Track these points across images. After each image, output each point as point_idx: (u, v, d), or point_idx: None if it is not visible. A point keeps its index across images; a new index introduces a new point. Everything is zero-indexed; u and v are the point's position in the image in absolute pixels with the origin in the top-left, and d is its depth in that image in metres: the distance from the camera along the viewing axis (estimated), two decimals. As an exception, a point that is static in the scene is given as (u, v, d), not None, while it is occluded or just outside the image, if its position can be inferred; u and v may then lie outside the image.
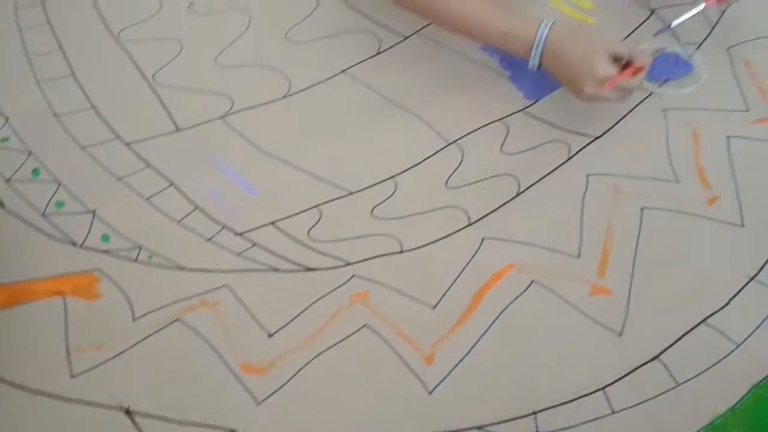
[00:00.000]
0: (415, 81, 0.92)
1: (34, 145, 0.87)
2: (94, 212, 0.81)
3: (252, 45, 0.98)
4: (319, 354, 0.71)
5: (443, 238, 0.78)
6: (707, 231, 0.76)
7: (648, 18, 0.97)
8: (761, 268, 0.73)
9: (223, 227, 0.79)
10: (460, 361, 0.70)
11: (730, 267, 0.74)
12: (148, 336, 0.72)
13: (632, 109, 0.87)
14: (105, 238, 0.79)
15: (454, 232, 0.78)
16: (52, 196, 0.82)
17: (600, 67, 0.75)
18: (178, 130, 0.88)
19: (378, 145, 0.87)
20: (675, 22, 0.87)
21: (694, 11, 0.87)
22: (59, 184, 0.83)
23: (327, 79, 0.93)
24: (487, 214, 0.80)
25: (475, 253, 0.77)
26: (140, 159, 0.85)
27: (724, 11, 0.97)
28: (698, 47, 0.93)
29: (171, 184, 0.83)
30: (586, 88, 0.76)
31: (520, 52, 0.81)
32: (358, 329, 0.72)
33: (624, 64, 0.77)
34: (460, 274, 0.75)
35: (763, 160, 0.82)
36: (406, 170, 0.84)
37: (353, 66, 0.94)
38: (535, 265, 0.75)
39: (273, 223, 0.79)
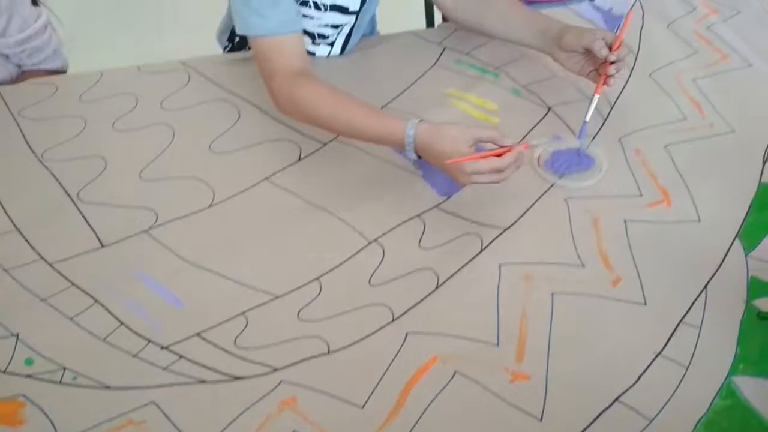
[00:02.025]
0: (335, 184, 0.97)
1: (-45, 271, 0.87)
2: (17, 336, 0.80)
3: (176, 158, 1.01)
4: (250, 464, 0.71)
5: (369, 335, 0.80)
6: (613, 311, 0.81)
7: (545, 115, 1.05)
8: (666, 344, 0.78)
9: (149, 341, 0.79)
10: (390, 459, 0.71)
11: (637, 345, 0.78)
12: (73, 461, 0.71)
13: (537, 200, 0.93)
14: (29, 361, 0.78)
15: (379, 329, 0.81)
16: (-27, 323, 0.81)
17: (464, 154, 0.83)
18: (102, 246, 0.89)
19: (302, 248, 0.90)
20: (587, 117, 0.95)
21: (594, 102, 0.96)
22: (-20, 310, 0.82)
23: (250, 187, 0.97)
24: (410, 309, 0.83)
25: (400, 348, 0.79)
26: (64, 278, 0.86)
27: (612, 106, 1.06)
28: (593, 139, 1.01)
29: (95, 302, 0.83)
30: (460, 178, 0.85)
31: (399, 149, 0.90)
32: (288, 436, 0.73)
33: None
34: (386, 371, 0.77)
35: (658, 240, 0.88)
36: (330, 271, 0.87)
37: (275, 173, 0.98)
38: (457, 356, 0.78)
39: (199, 333, 0.80)
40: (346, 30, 1.16)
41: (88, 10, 2.53)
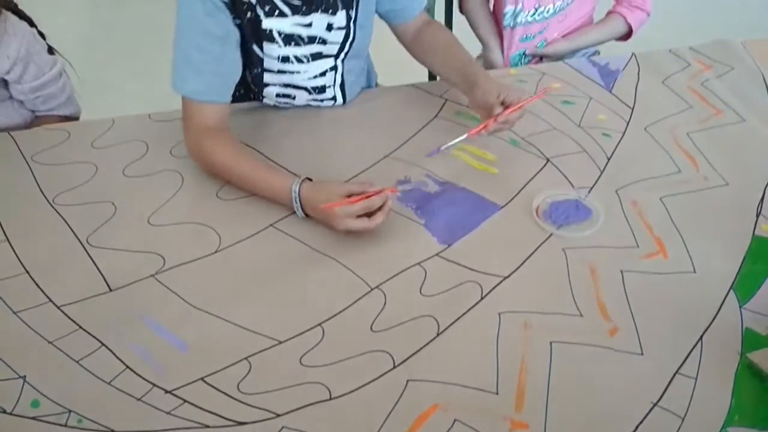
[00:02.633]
0: (339, 231, 0.99)
1: (-35, 313, 0.88)
2: (24, 378, 0.81)
3: (184, 204, 1.04)
4: None
5: (370, 382, 0.82)
6: (611, 361, 0.82)
7: (543, 167, 1.08)
8: (662, 394, 0.79)
9: (154, 385, 0.81)
10: (390, 506, 0.72)
11: (634, 394, 0.79)
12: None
13: (536, 250, 0.96)
14: (35, 403, 0.79)
15: (380, 376, 0.82)
16: (-19, 364, 0.82)
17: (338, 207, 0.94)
18: (110, 290, 0.91)
19: (305, 294, 0.92)
20: (445, 146, 1.01)
21: (460, 138, 1.03)
22: (-11, 352, 0.84)
23: (256, 233, 0.99)
24: (411, 356, 0.84)
25: (401, 395, 0.80)
26: (72, 321, 0.87)
27: (609, 158, 1.10)
28: (590, 190, 1.04)
29: (102, 345, 0.85)
30: (335, 224, 0.95)
31: (288, 206, 1.00)
32: (288, 481, 0.73)
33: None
34: (387, 418, 0.78)
35: (654, 291, 0.90)
36: (332, 317, 0.89)
37: (280, 220, 1.01)
38: (457, 404, 0.79)
39: (203, 378, 0.81)
40: (337, 78, 1.19)
41: (99, 57, 2.60)
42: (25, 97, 1.29)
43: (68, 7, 3.21)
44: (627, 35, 1.53)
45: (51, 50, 1.32)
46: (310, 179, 1.00)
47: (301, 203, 0.98)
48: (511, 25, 1.49)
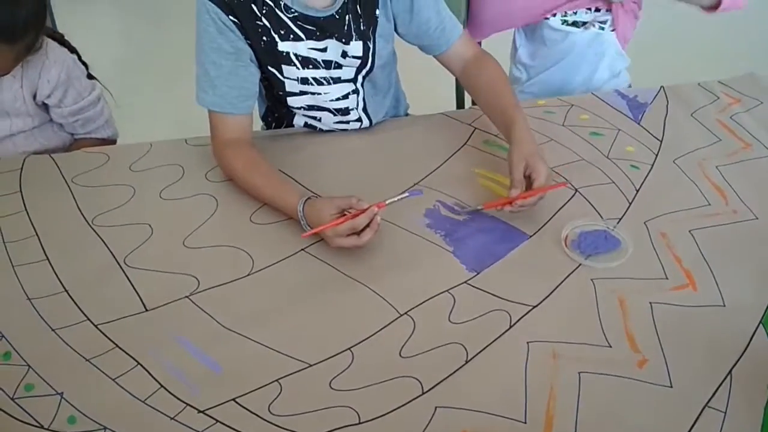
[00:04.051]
0: (369, 256, 1.01)
1: (6, 329, 0.91)
2: (61, 394, 0.83)
3: (218, 227, 1.07)
4: None
5: (398, 407, 0.82)
6: (639, 393, 0.82)
7: (572, 197, 1.10)
8: (691, 428, 0.79)
9: (187, 405, 0.82)
10: None
11: (663, 428, 0.79)
12: None
13: (565, 279, 0.96)
14: (71, 419, 0.81)
15: (409, 402, 0.83)
16: (22, 379, 0.85)
17: (327, 221, 0.97)
18: (146, 310, 0.94)
19: (335, 318, 0.93)
20: (388, 201, 1.01)
21: (406, 196, 1.03)
22: (29, 368, 0.86)
23: (288, 257, 1.01)
24: (439, 383, 0.85)
25: (429, 422, 0.81)
26: (109, 340, 0.90)
27: (638, 190, 1.11)
28: (619, 221, 1.05)
29: (138, 364, 0.87)
30: (328, 242, 0.99)
31: (296, 220, 1.03)
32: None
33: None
34: (415, 444, 0.79)
35: (683, 323, 0.90)
36: (362, 341, 0.90)
37: (312, 244, 1.03)
38: (485, 433, 0.80)
39: (235, 399, 0.83)
40: (360, 101, 1.22)
41: (135, 82, 2.67)
42: (64, 120, 1.34)
43: (105, 32, 3.31)
44: (715, 6, 1.37)
45: (90, 75, 1.37)
46: (317, 195, 1.04)
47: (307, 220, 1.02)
48: None
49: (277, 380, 0.85)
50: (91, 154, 1.23)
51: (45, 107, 1.32)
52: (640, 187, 1.12)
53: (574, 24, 1.43)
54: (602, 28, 1.45)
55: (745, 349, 0.87)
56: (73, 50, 1.34)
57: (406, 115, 1.44)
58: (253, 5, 1.07)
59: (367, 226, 0.97)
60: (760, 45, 2.92)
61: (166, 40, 3.14)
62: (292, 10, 1.08)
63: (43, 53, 1.25)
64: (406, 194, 1.04)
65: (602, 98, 1.34)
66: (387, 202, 1.01)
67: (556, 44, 1.47)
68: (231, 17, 1.07)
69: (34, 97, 1.28)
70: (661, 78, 1.45)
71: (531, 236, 1.04)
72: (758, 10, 3.05)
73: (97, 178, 1.17)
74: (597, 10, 1.43)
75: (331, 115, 1.22)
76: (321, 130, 1.26)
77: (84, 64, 1.35)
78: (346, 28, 1.11)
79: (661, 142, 1.23)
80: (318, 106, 1.20)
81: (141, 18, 3.50)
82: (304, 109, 1.21)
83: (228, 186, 1.14)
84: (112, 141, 1.43)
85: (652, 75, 1.57)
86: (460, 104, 1.64)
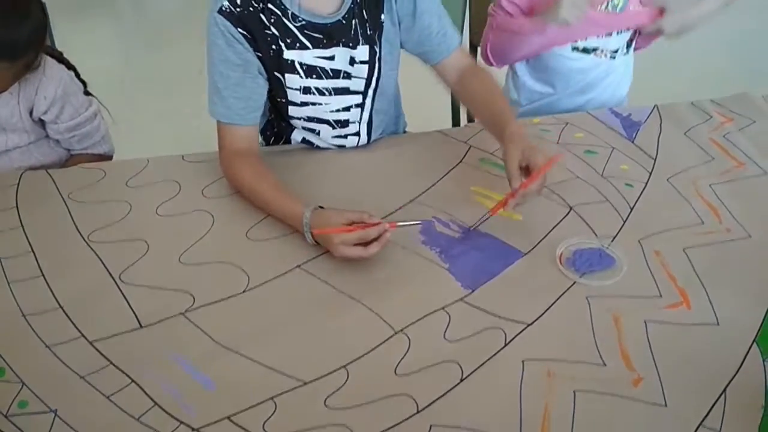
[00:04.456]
0: (364, 274, 1.01)
1: (0, 345, 0.90)
2: (55, 411, 0.83)
3: (214, 244, 1.07)
4: None
5: (393, 426, 0.82)
6: (634, 412, 0.82)
7: (566, 215, 1.10)
8: (686, 447, 0.79)
9: (180, 423, 0.82)
10: None
11: (658, 447, 0.79)
12: None
13: (559, 297, 0.97)
14: (64, 437, 0.81)
15: (403, 420, 0.83)
16: (16, 396, 0.84)
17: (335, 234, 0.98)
18: (141, 327, 0.94)
19: (330, 335, 0.93)
20: (400, 223, 1.03)
21: (484, 217, 1.06)
22: (23, 384, 0.86)
23: (283, 274, 1.02)
24: (434, 401, 0.85)
25: (424, 440, 0.81)
26: (103, 357, 0.89)
27: (632, 209, 1.11)
28: (613, 239, 1.06)
29: (132, 381, 0.86)
30: (332, 250, 0.99)
31: (299, 230, 1.04)
32: None
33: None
34: (409, 463, 0.79)
35: (678, 342, 0.91)
36: (357, 359, 0.90)
37: (308, 261, 1.03)
38: (480, 451, 0.80)
39: (229, 417, 0.82)
40: (364, 115, 1.23)
41: (132, 99, 2.68)
42: (61, 136, 1.34)
43: (104, 49, 3.33)
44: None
45: (87, 92, 1.37)
46: (322, 207, 1.04)
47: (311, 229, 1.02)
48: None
49: (271, 398, 0.85)
50: (88, 169, 1.23)
51: (41, 123, 1.32)
52: (635, 205, 1.13)
53: (585, 50, 1.43)
54: (613, 57, 1.45)
55: (739, 368, 0.87)
56: (70, 67, 1.35)
57: (404, 132, 1.45)
58: (261, 15, 1.09)
59: (376, 239, 0.98)
60: (754, 64, 2.95)
61: (164, 57, 3.16)
62: (300, 19, 1.10)
63: (41, 70, 1.25)
64: (419, 222, 1.06)
65: (596, 117, 1.36)
66: (398, 224, 1.02)
67: (562, 70, 1.46)
68: (240, 30, 1.08)
69: (31, 113, 1.28)
70: (654, 96, 1.47)
71: (526, 254, 1.04)
72: (753, 29, 3.11)
73: (94, 194, 1.17)
74: (609, 34, 1.42)
75: (330, 128, 1.23)
76: (318, 147, 1.26)
77: (82, 82, 1.36)
78: (353, 32, 1.12)
79: (655, 160, 1.24)
80: (318, 118, 1.21)
81: (140, 36, 3.53)
82: (304, 120, 1.22)
83: (224, 202, 1.14)
84: (108, 157, 1.43)
85: (646, 93, 1.58)
86: (455, 122, 1.65)
